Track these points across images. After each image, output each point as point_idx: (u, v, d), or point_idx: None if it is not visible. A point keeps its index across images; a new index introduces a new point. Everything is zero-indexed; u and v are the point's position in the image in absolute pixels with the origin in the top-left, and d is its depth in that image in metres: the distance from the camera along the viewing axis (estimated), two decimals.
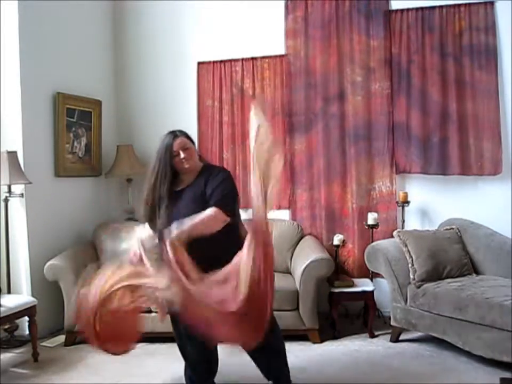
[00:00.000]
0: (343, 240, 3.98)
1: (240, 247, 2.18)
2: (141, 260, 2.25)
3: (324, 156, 4.23)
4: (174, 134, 2.40)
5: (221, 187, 2.31)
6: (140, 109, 4.75)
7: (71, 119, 4.18)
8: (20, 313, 3.28)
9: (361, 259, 3.91)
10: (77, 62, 4.30)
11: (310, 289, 3.47)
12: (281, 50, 4.34)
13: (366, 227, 3.99)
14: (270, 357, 2.50)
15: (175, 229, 2.11)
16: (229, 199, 2.31)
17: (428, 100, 4.01)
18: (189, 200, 2.33)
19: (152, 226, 2.36)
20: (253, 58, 4.39)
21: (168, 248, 2.04)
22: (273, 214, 4.34)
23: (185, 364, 2.61)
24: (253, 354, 2.47)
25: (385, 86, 4.10)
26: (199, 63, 4.54)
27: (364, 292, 3.70)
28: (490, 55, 3.87)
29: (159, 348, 3.52)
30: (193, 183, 2.40)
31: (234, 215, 2.35)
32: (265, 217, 2.04)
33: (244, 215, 4.48)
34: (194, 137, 4.52)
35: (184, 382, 2.63)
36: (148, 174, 2.41)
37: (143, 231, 2.37)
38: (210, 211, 2.22)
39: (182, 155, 2.36)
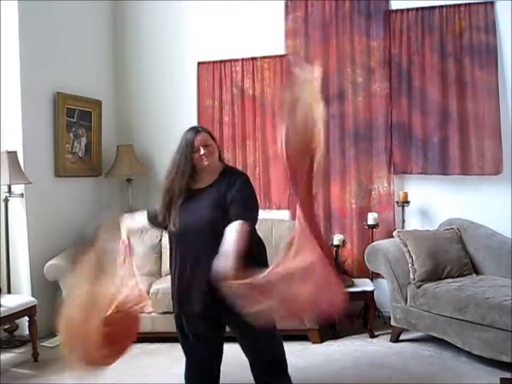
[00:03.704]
0: (343, 240, 3.98)
1: (253, 251, 2.16)
2: (127, 248, 2.32)
3: (323, 156, 4.22)
4: (196, 130, 2.34)
5: (242, 196, 2.25)
6: (140, 109, 4.75)
7: (71, 119, 4.18)
8: (19, 313, 3.29)
9: (361, 259, 3.90)
10: (77, 62, 4.30)
11: None
12: (281, 50, 4.34)
13: (366, 227, 3.99)
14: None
15: (224, 266, 1.98)
16: (251, 208, 2.28)
17: (428, 100, 4.00)
18: (206, 204, 2.27)
19: (163, 220, 2.35)
20: (253, 58, 4.39)
21: (232, 285, 1.90)
22: (273, 214, 4.38)
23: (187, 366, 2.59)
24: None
25: (384, 86, 4.10)
26: (199, 63, 4.54)
27: (364, 292, 3.69)
28: (491, 55, 3.87)
29: (159, 348, 3.52)
30: (212, 184, 2.33)
31: (254, 222, 2.30)
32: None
33: None
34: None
35: (184, 382, 2.62)
36: (168, 169, 2.36)
37: (131, 222, 2.42)
38: (237, 228, 2.12)
39: (202, 151, 2.29)
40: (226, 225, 2.14)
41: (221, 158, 2.45)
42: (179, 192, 2.29)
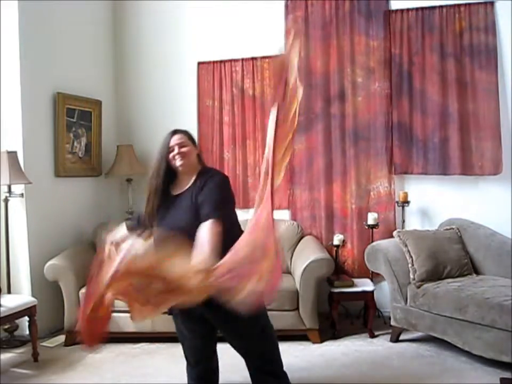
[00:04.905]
0: (343, 240, 3.98)
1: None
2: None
3: (324, 156, 4.23)
4: (174, 131, 2.38)
5: (211, 196, 2.21)
6: (140, 109, 4.75)
7: (71, 119, 4.18)
8: (19, 313, 3.28)
9: (361, 259, 3.91)
10: (77, 62, 4.30)
11: (310, 289, 3.47)
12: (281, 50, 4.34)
13: (366, 227, 3.99)
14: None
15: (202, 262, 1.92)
16: (221, 206, 2.21)
17: (428, 100, 4.00)
18: (182, 211, 2.24)
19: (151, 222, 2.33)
20: (253, 58, 4.39)
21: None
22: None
23: (187, 369, 2.60)
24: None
25: (384, 86, 4.10)
26: (199, 63, 4.54)
27: (364, 292, 3.70)
28: (491, 55, 3.87)
29: (159, 348, 3.52)
30: (189, 188, 2.31)
31: (228, 221, 2.23)
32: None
33: (245, 215, 4.50)
34: (195, 137, 4.56)
35: (184, 382, 2.62)
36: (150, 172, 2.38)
37: (117, 233, 2.33)
38: (208, 227, 2.07)
39: (176, 151, 2.30)
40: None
41: (201, 162, 2.42)
42: (154, 193, 2.28)
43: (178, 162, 2.30)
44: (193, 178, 2.34)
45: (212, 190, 2.23)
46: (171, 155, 2.31)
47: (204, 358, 2.54)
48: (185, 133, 2.40)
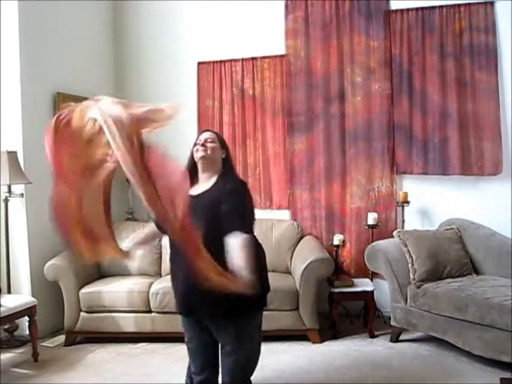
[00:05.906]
0: (343, 240, 3.98)
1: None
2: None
3: (324, 156, 4.24)
4: (206, 130, 2.41)
5: (236, 208, 2.12)
6: None
7: None
8: (19, 313, 3.28)
9: (361, 259, 3.90)
10: (77, 62, 4.30)
11: (310, 289, 3.47)
12: (281, 50, 4.34)
13: (366, 227, 3.99)
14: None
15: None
16: (247, 218, 2.18)
17: (428, 100, 4.00)
18: (200, 210, 2.12)
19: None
20: (253, 58, 4.39)
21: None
22: (273, 214, 4.38)
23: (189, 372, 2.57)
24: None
25: (385, 86, 4.10)
26: (199, 63, 4.54)
27: (364, 292, 3.70)
28: (491, 55, 3.87)
29: (159, 348, 3.52)
30: (209, 190, 2.23)
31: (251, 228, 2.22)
32: None
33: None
34: (195, 137, 4.57)
35: (183, 382, 2.62)
36: None
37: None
38: (237, 240, 2.01)
39: (201, 142, 2.26)
40: (218, 234, 2.04)
41: (226, 168, 2.34)
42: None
43: (200, 153, 2.25)
44: (214, 178, 2.26)
45: (235, 201, 2.15)
46: (195, 147, 2.28)
47: (206, 365, 2.42)
48: (217, 134, 2.38)
